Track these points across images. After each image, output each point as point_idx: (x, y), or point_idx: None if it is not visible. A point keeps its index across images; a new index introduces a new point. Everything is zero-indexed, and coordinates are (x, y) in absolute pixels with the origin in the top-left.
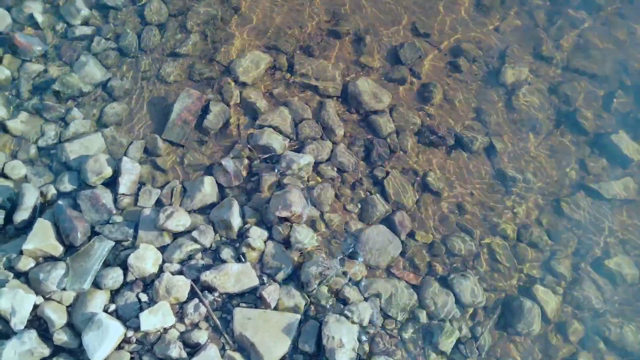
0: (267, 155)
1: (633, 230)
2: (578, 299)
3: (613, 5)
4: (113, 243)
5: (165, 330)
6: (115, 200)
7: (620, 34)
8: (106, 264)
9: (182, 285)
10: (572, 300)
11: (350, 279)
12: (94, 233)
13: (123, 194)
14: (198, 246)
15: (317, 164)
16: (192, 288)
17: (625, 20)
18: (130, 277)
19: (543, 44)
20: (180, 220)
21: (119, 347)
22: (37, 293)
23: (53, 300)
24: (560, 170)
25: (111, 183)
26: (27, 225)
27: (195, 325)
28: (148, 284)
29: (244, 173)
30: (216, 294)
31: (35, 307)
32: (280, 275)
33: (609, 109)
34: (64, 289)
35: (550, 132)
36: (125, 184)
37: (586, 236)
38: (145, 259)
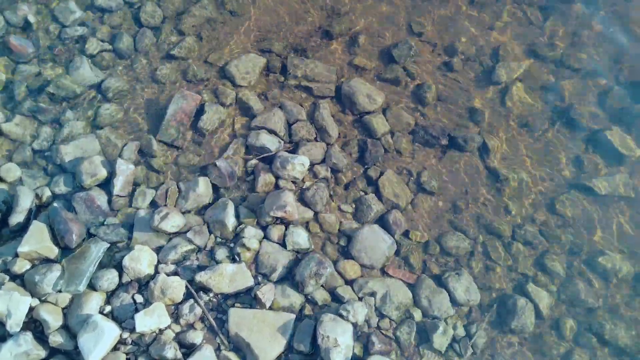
0: (261, 156)
1: (627, 228)
2: (572, 297)
3: (608, 2)
4: (108, 245)
5: (161, 331)
6: (110, 202)
7: (614, 30)
8: (101, 266)
9: (177, 286)
10: (566, 297)
11: (345, 279)
12: (89, 235)
13: (118, 195)
14: (193, 247)
15: (311, 164)
16: (187, 289)
17: (619, 16)
18: (125, 279)
19: (537, 41)
20: (175, 221)
21: (115, 349)
22: (32, 295)
23: (49, 302)
24: (554, 168)
25: (106, 185)
26: (23, 228)
27: (191, 326)
28: (143, 285)
29: (239, 174)
30: (211, 295)
31: (31, 309)
32: (275, 275)
33: (603, 106)
34: (60, 291)
35: (544, 130)
36: (120, 186)
37: (580, 234)
38: (141, 260)
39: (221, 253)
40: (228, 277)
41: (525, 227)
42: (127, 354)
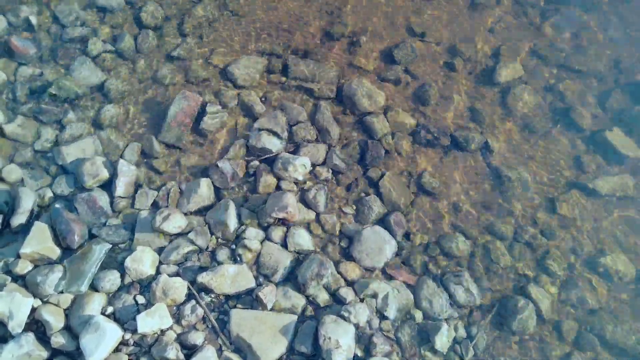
0: (263, 157)
1: (628, 228)
2: (573, 298)
3: (608, 3)
4: (110, 245)
5: (163, 332)
6: (111, 203)
7: (614, 31)
8: (103, 267)
9: (179, 287)
10: (567, 298)
11: (346, 280)
12: (91, 236)
13: (120, 196)
14: (195, 248)
15: (312, 165)
16: (189, 290)
17: (620, 18)
18: (127, 280)
19: (538, 43)
20: (176, 222)
21: (117, 350)
22: (34, 296)
23: (51, 303)
24: (555, 168)
25: (108, 185)
26: (24, 229)
27: (193, 327)
28: (145, 286)
29: (241, 175)
30: (213, 296)
31: (33, 310)
32: (277, 277)
33: (603, 107)
34: (62, 292)
35: (545, 131)
36: (122, 187)
37: (581, 234)
38: (142, 261)
39: (223, 254)
40: (230, 278)
41: (526, 227)
42: (129, 355)
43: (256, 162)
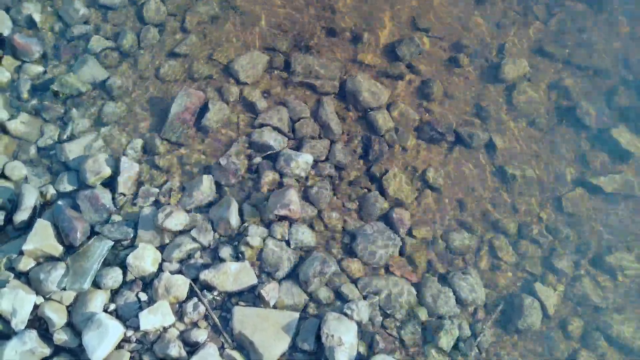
0: (265, 154)
1: (634, 226)
2: (579, 296)
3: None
4: (112, 243)
5: (165, 329)
6: (114, 200)
7: (621, 28)
8: (106, 264)
9: (181, 285)
10: (573, 296)
11: (349, 277)
12: (93, 233)
13: (122, 193)
14: (197, 245)
15: (315, 162)
16: (191, 287)
17: (626, 14)
18: (129, 277)
19: (543, 39)
20: (179, 219)
21: (119, 347)
22: (37, 293)
23: (53, 300)
24: (560, 166)
25: (110, 183)
26: (27, 226)
27: (195, 324)
28: (147, 283)
29: (243, 172)
30: (215, 293)
31: (36, 307)
32: (279, 274)
33: (609, 104)
34: (64, 289)
35: (550, 128)
36: (124, 184)
37: (587, 232)
38: (145, 259)
39: (225, 251)
40: (232, 275)
41: (531, 224)
42: (131, 352)
43: (258, 159)
